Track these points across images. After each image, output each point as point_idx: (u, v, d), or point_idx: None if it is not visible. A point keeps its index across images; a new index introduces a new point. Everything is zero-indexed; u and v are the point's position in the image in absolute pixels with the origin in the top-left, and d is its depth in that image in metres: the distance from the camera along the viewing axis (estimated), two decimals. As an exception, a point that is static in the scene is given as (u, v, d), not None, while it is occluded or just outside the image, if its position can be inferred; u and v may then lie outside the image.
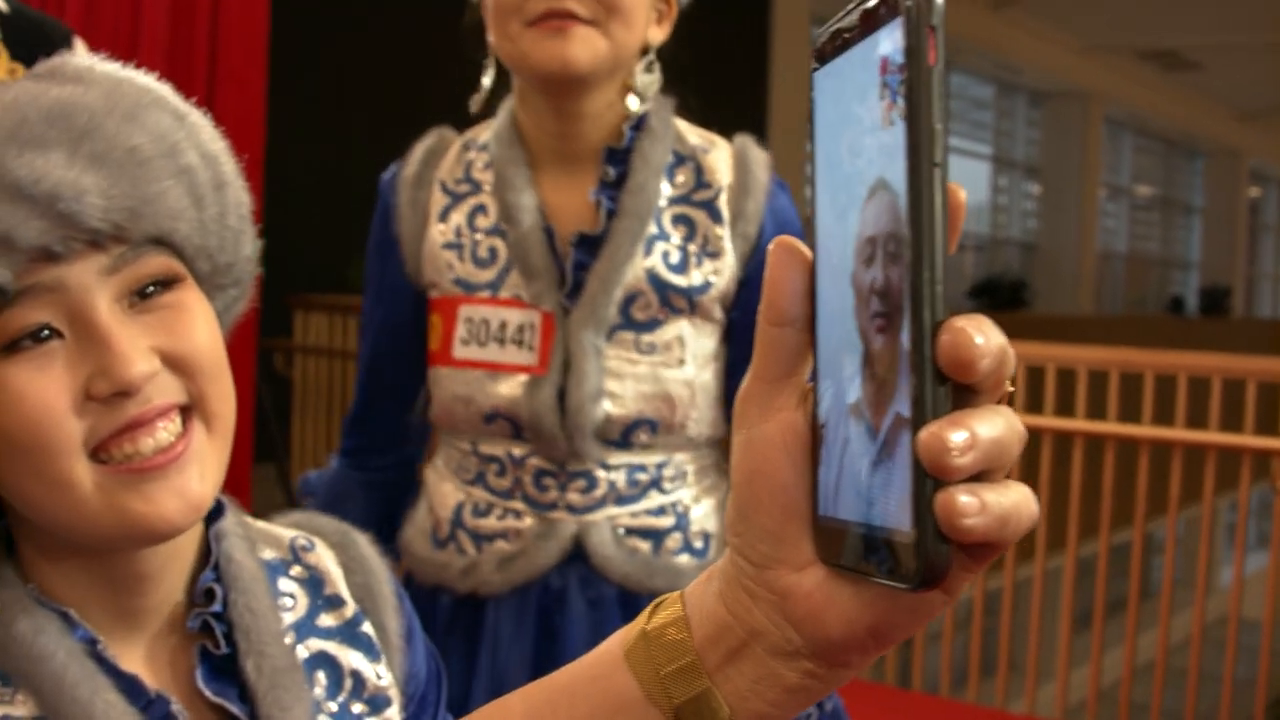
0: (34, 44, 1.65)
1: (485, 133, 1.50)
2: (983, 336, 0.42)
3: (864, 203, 0.45)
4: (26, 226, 0.70)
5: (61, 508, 0.74)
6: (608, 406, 1.42)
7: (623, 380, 1.43)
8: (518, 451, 1.45)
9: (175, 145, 0.77)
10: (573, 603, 1.45)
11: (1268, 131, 15.78)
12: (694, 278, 1.44)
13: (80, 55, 0.79)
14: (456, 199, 1.48)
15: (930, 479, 0.42)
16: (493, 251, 1.45)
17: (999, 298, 11.59)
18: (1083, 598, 4.14)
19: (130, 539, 0.75)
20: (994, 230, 12.80)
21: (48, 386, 0.72)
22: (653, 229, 1.44)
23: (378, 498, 1.58)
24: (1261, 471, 3.26)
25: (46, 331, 0.72)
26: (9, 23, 1.68)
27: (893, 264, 0.44)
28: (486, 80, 1.49)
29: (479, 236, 1.46)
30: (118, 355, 0.72)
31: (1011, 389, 0.45)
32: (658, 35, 1.45)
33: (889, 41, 0.43)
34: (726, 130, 1.55)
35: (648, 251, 1.43)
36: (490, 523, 1.46)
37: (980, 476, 0.43)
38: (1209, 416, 3.55)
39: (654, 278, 1.43)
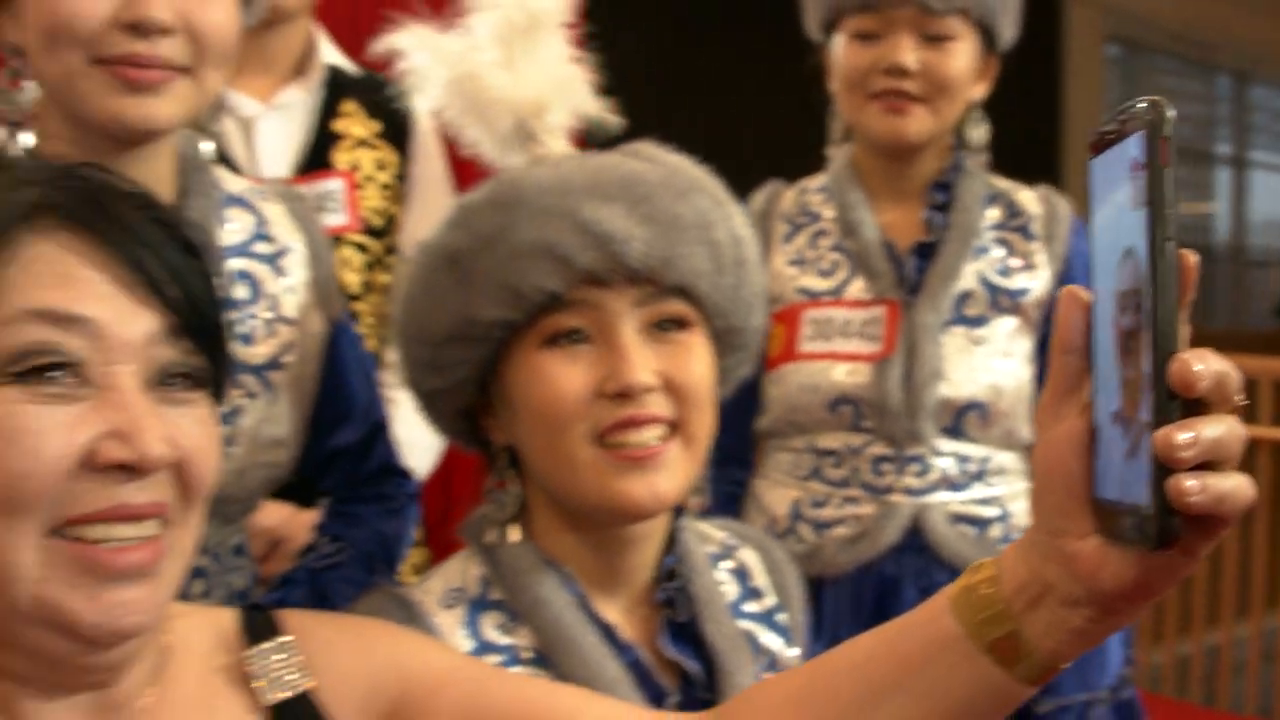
0: (383, 103, 1.69)
1: (816, 180, 1.78)
2: (1202, 364, 0.58)
3: (1118, 265, 0.63)
4: (584, 254, 0.94)
5: (564, 476, 0.97)
6: (944, 390, 1.60)
7: (957, 367, 1.62)
8: (856, 441, 1.63)
9: (710, 222, 1.00)
10: (906, 592, 1.61)
11: None
12: (1017, 281, 1.66)
13: (651, 145, 1.04)
14: (797, 228, 1.75)
15: (1163, 467, 0.59)
16: (835, 264, 1.69)
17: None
18: None
19: (609, 513, 0.97)
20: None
21: (573, 376, 0.95)
22: (978, 242, 1.67)
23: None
24: None
25: (579, 334, 0.96)
26: (362, 85, 1.81)
27: (1137, 313, 0.61)
28: (836, 134, 1.76)
29: (822, 252, 1.71)
30: (629, 363, 0.95)
31: (1243, 402, 0.60)
32: (979, 91, 1.69)
33: (1136, 146, 0.61)
34: (1022, 166, 1.80)
35: (976, 258, 1.66)
36: (829, 512, 1.64)
37: (1212, 467, 0.59)
38: None
39: (983, 279, 1.66)
